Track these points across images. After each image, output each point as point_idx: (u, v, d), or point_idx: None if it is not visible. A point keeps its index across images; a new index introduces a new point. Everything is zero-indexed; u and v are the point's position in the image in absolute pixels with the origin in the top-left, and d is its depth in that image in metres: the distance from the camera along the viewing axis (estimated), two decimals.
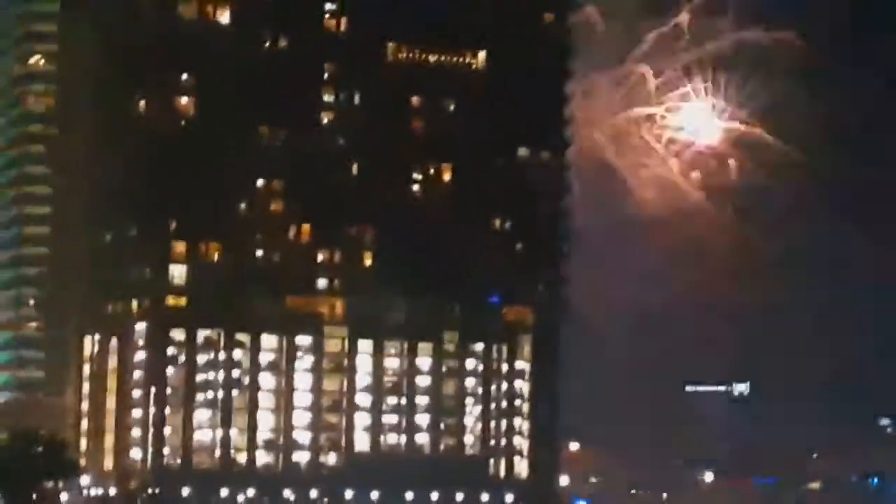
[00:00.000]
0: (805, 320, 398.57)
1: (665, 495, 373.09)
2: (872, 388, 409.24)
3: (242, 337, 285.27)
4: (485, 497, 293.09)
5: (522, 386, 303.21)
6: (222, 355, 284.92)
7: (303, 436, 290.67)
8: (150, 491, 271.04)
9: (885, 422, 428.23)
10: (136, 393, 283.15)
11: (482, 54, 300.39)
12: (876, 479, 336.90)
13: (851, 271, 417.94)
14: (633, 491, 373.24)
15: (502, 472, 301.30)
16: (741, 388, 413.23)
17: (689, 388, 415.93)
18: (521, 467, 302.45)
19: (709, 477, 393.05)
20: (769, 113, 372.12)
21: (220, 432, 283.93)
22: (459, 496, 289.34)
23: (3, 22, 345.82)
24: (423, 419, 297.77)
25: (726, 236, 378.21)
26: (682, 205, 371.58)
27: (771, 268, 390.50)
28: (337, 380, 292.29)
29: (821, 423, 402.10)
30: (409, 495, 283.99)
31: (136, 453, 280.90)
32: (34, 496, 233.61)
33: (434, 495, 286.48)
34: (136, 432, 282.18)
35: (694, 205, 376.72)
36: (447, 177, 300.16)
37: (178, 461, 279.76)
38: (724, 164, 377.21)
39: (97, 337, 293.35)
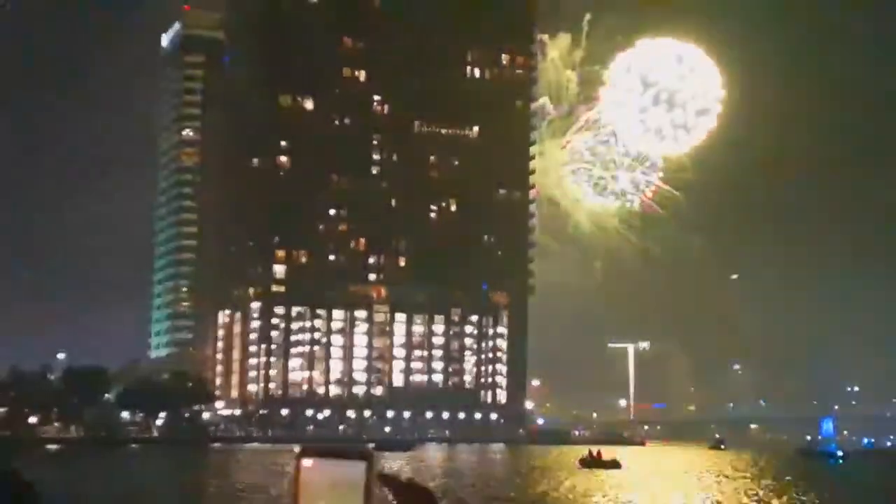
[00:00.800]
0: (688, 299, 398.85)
1: (595, 415, 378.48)
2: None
3: (321, 312, 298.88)
4: (477, 415, 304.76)
5: (502, 343, 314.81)
6: (307, 324, 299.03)
7: (359, 376, 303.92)
8: (260, 412, 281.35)
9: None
10: (252, 348, 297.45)
11: (475, 128, 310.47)
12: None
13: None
14: (574, 412, 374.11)
15: (489, 399, 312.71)
16: (644, 344, 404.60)
17: (610, 345, 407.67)
18: (501, 396, 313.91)
19: (622, 402, 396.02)
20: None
21: (305, 374, 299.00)
22: (461, 415, 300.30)
23: (163, 106, 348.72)
24: (437, 365, 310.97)
25: (629, 245, 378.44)
26: (601, 223, 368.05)
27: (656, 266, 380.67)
28: (381, 340, 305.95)
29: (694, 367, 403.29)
30: (429, 414, 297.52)
31: (251, 387, 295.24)
32: (186, 415, 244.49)
33: (445, 414, 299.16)
34: (251, 373, 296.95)
35: (609, 225, 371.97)
36: (453, 208, 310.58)
37: (279, 392, 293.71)
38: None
39: (227, 311, 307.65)
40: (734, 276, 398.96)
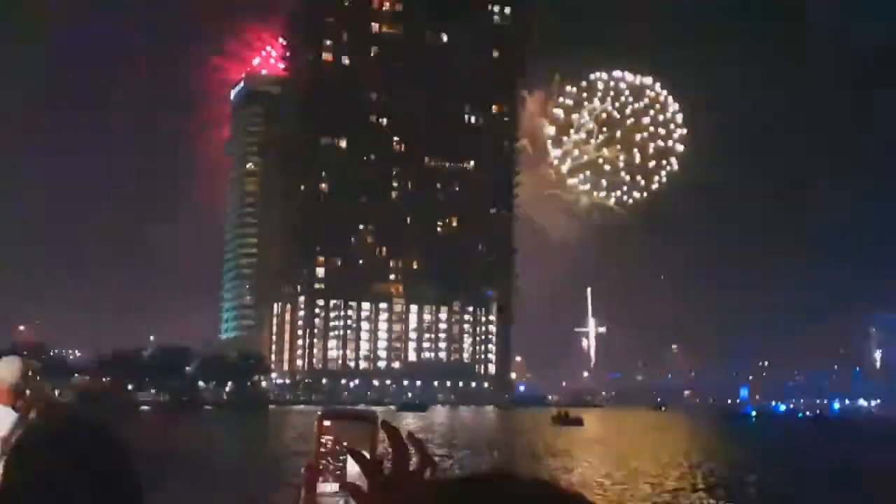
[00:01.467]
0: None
1: (564, 383, 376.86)
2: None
3: (352, 304, 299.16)
4: (473, 384, 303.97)
5: (492, 329, 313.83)
6: (341, 313, 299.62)
7: (382, 353, 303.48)
8: (305, 381, 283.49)
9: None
10: (299, 332, 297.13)
11: (472, 162, 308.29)
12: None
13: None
14: (550, 382, 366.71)
15: (482, 372, 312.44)
16: (602, 329, 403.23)
17: (576, 329, 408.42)
18: (491, 369, 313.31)
19: (585, 374, 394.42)
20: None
21: (340, 352, 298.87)
22: (460, 384, 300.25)
23: (233, 144, 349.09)
24: (442, 345, 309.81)
25: (589, 252, 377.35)
26: (568, 236, 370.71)
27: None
28: (399, 326, 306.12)
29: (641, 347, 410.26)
30: (436, 383, 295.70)
31: (298, 362, 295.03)
32: (248, 384, 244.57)
33: (448, 383, 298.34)
34: (298, 352, 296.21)
35: (573, 238, 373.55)
36: (454, 224, 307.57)
37: (320, 366, 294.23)
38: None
39: (279, 304, 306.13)
40: (662, 277, 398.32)
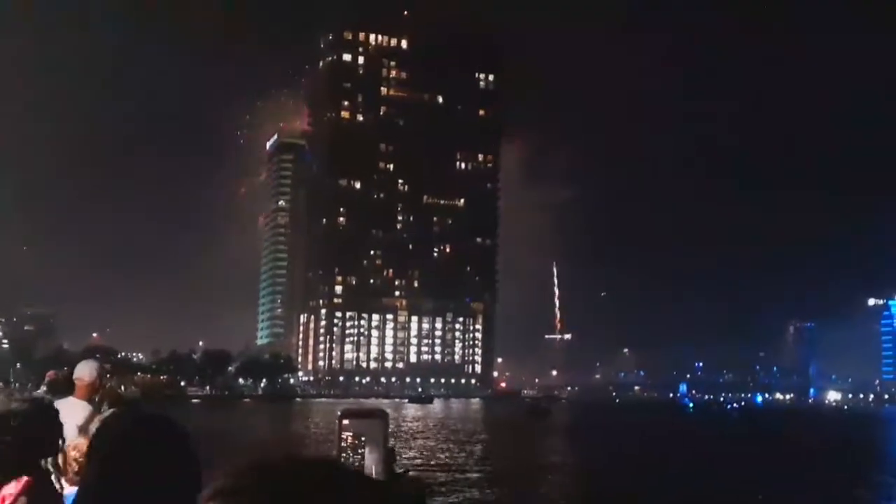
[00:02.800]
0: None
1: (537, 380, 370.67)
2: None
3: (364, 315, 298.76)
4: (462, 381, 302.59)
5: (478, 335, 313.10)
6: (356, 323, 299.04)
7: (388, 355, 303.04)
8: (326, 378, 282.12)
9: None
10: (321, 338, 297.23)
11: (462, 200, 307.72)
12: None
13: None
14: (524, 379, 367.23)
15: (470, 371, 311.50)
16: (567, 336, 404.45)
17: (546, 336, 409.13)
18: (477, 368, 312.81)
19: (554, 373, 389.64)
20: None
21: (355, 354, 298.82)
22: (452, 380, 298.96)
23: (268, 185, 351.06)
24: (437, 348, 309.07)
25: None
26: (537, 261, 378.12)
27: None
28: (402, 333, 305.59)
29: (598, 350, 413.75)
30: (432, 380, 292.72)
31: (320, 363, 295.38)
32: (279, 381, 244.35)
33: (442, 380, 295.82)
34: (321, 354, 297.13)
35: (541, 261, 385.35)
36: (448, 250, 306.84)
37: (338, 366, 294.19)
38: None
39: (305, 314, 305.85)
40: (603, 294, 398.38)
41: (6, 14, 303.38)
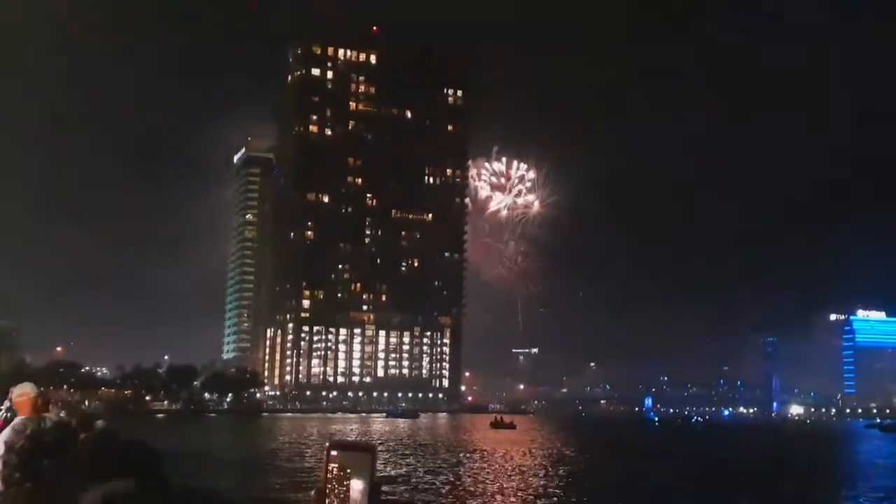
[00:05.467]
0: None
1: (504, 394, 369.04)
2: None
3: (332, 329, 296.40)
4: (430, 395, 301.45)
5: (446, 349, 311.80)
6: (323, 337, 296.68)
7: (356, 370, 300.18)
8: (292, 393, 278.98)
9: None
10: (288, 352, 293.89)
11: (430, 215, 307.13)
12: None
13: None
14: (493, 393, 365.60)
15: (437, 385, 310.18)
16: (534, 350, 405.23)
17: (513, 350, 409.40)
18: (445, 383, 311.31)
19: (521, 386, 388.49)
20: None
21: (322, 369, 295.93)
22: (420, 395, 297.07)
23: (235, 199, 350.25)
24: (405, 363, 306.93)
25: (519, 289, 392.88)
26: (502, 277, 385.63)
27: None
28: (370, 347, 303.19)
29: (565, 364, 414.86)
30: (399, 394, 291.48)
31: (287, 377, 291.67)
32: (245, 395, 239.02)
33: (409, 394, 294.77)
34: (287, 369, 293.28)
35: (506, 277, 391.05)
36: (416, 264, 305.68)
37: (305, 380, 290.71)
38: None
39: (272, 329, 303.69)
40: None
41: None
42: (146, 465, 2.59)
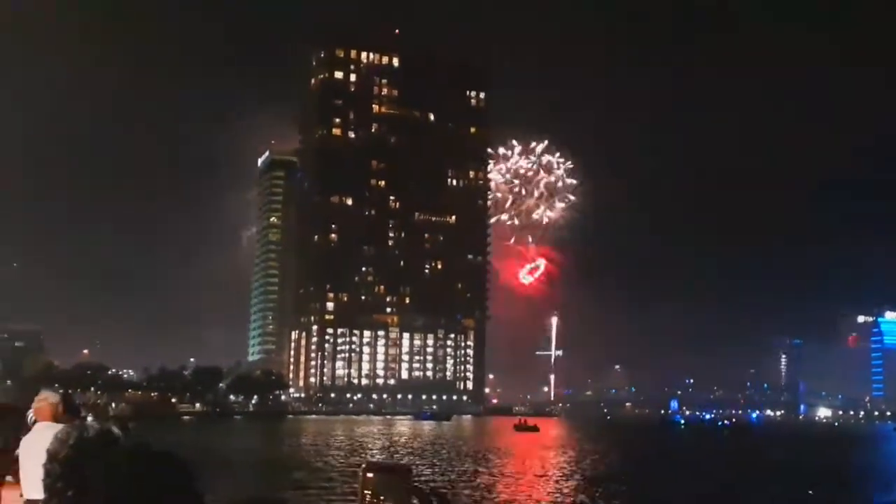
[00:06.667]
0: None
1: (528, 397, 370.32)
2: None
3: (356, 332, 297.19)
4: (454, 397, 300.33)
5: (469, 352, 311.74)
6: (347, 339, 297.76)
7: (380, 372, 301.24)
8: (317, 395, 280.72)
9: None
10: (312, 355, 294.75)
11: (453, 217, 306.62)
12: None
13: None
14: (517, 395, 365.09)
15: (461, 387, 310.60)
16: (559, 352, 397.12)
17: (537, 353, 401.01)
18: (469, 385, 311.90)
19: (545, 389, 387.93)
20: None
21: (346, 371, 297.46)
22: (444, 397, 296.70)
23: (259, 202, 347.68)
24: (429, 365, 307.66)
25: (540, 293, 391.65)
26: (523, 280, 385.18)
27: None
28: (394, 349, 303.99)
29: (589, 367, 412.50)
30: (423, 396, 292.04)
31: (312, 379, 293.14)
32: (270, 397, 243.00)
33: (434, 396, 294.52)
34: (312, 371, 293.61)
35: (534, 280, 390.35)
36: (440, 266, 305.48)
37: (329, 382, 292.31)
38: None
39: (296, 331, 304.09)
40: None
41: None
42: (179, 482, 2.56)
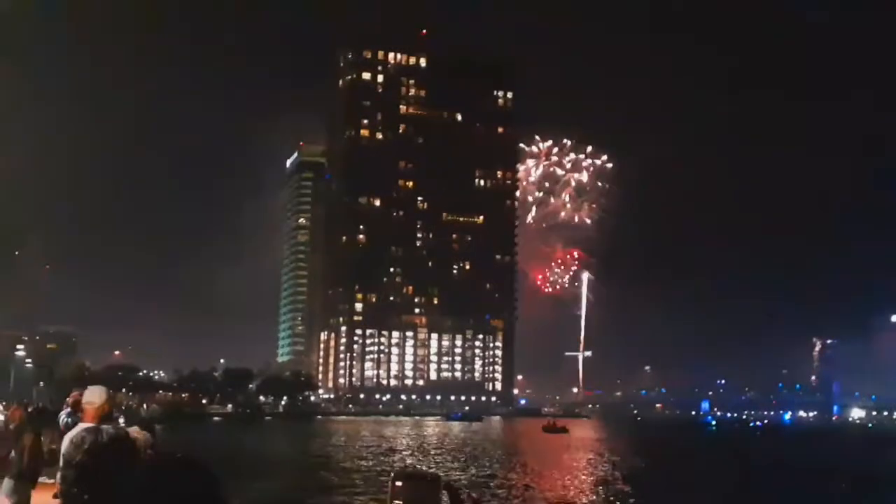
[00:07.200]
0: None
1: (557, 397, 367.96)
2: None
3: (384, 332, 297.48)
4: (483, 398, 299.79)
5: (498, 353, 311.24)
6: (376, 340, 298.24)
7: (409, 373, 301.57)
8: (346, 396, 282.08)
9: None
10: (341, 356, 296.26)
11: (481, 217, 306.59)
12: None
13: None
14: (546, 396, 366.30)
15: (490, 388, 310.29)
16: (588, 353, 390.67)
17: (566, 353, 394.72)
18: (497, 386, 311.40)
19: (574, 390, 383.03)
20: None
21: (375, 372, 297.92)
22: (472, 398, 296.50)
23: (288, 203, 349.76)
24: (457, 366, 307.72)
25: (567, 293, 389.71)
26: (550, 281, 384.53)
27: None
28: (422, 350, 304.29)
29: (619, 368, 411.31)
30: (452, 397, 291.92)
31: (341, 380, 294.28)
32: (300, 398, 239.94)
33: (462, 397, 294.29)
34: (341, 372, 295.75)
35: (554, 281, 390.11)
36: (468, 267, 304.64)
37: (358, 383, 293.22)
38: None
39: (325, 332, 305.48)
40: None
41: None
42: (198, 490, 2.40)
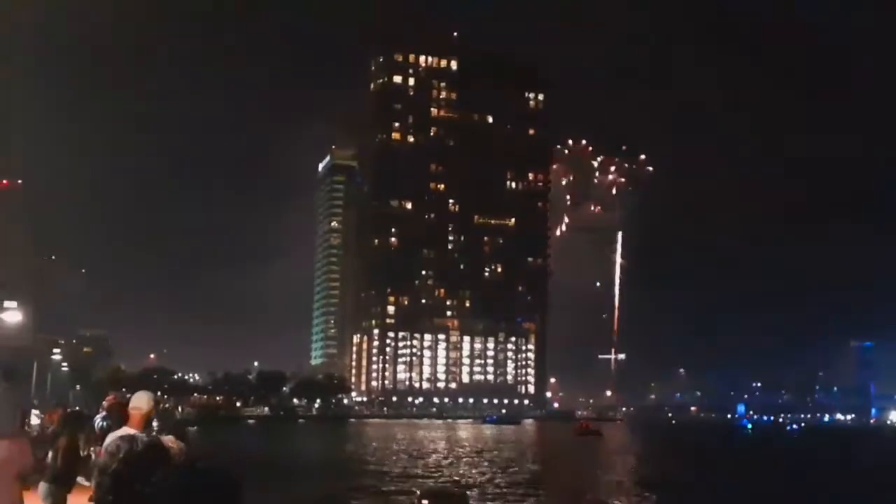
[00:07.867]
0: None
1: (591, 401, 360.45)
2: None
3: (417, 335, 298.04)
4: (515, 401, 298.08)
5: (531, 355, 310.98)
6: (408, 343, 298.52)
7: (441, 375, 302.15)
8: (379, 399, 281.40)
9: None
10: (374, 358, 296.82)
11: (513, 220, 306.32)
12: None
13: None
14: (580, 400, 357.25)
15: (523, 391, 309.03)
16: (621, 356, 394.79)
17: (599, 356, 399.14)
18: (531, 389, 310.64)
19: (608, 393, 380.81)
20: None
21: (408, 374, 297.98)
22: (505, 401, 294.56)
23: (320, 207, 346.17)
24: (490, 369, 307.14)
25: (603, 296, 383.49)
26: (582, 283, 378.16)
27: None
28: (455, 353, 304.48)
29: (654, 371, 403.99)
30: (485, 400, 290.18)
31: (374, 383, 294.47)
32: (333, 401, 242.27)
33: (494, 401, 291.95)
34: (374, 374, 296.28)
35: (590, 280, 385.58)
36: (499, 269, 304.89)
37: (391, 386, 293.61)
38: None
39: (358, 335, 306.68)
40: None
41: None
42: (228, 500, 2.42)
